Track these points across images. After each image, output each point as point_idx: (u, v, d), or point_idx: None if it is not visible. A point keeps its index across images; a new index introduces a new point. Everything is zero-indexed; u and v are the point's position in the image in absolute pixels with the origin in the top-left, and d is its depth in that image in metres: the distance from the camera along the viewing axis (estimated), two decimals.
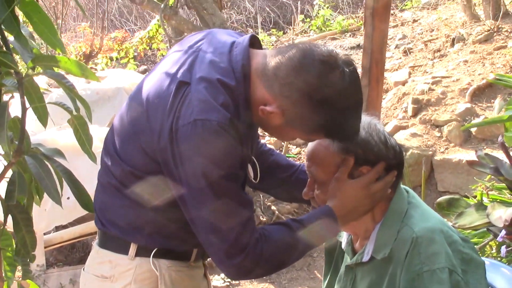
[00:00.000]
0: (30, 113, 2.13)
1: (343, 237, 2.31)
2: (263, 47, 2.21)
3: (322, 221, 2.13)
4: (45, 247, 4.82)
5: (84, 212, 2.37)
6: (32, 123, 2.50)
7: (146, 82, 2.18)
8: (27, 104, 2.07)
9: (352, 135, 2.03)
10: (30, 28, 2.20)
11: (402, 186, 2.17)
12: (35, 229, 4.09)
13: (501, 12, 7.70)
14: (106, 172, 2.25)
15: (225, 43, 2.11)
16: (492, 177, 3.90)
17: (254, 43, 2.15)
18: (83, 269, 2.37)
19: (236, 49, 2.07)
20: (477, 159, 3.55)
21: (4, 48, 1.99)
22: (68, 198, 3.77)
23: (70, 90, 2.09)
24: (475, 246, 3.53)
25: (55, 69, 2.15)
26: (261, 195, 5.90)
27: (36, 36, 2.19)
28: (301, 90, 1.93)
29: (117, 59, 10.03)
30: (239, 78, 2.01)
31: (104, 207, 2.25)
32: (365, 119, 2.09)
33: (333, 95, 1.93)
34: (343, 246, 2.30)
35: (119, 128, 2.22)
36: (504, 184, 3.72)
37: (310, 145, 2.15)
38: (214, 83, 1.98)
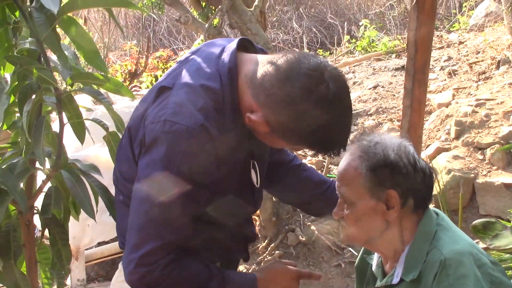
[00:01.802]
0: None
1: (374, 260, 2.31)
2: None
3: (242, 285, 2.19)
4: (86, 262, 4.88)
5: None
6: (75, 140, 2.55)
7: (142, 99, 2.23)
8: (65, 120, 2.13)
9: (334, 149, 2.03)
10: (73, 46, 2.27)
11: (432, 208, 2.16)
12: (77, 244, 4.17)
13: None
14: (116, 189, 2.27)
15: (216, 49, 2.12)
16: None
17: (248, 47, 2.15)
18: None
19: (224, 53, 2.07)
20: None
21: (45, 65, 2.05)
22: (109, 214, 3.83)
23: (107, 107, 2.15)
24: (511, 271, 3.50)
25: (94, 86, 2.22)
26: (301, 215, 5.89)
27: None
28: (284, 102, 1.93)
29: (161, 77, 10.12)
30: (225, 81, 2.01)
31: (120, 225, 2.27)
32: (395, 140, 2.10)
33: (315, 110, 1.92)
34: (373, 268, 2.30)
35: (120, 146, 2.25)
36: None
37: (341, 165, 2.15)
38: (196, 88, 1.99)
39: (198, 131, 1.93)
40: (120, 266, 2.32)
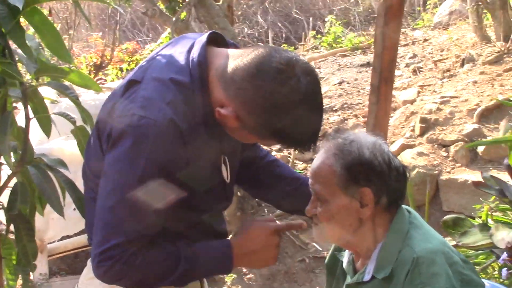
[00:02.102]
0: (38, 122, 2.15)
1: (345, 256, 2.31)
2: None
3: (217, 253, 2.15)
4: (48, 256, 4.82)
5: None
6: (39, 132, 2.51)
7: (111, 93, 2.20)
8: (31, 114, 2.09)
9: (305, 145, 2.01)
10: (37, 38, 2.22)
11: (404, 206, 2.17)
12: (41, 238, 4.12)
13: None
14: (85, 185, 2.24)
15: (187, 43, 2.09)
16: (497, 198, 3.90)
17: (219, 41, 2.13)
18: (76, 285, 2.36)
19: (194, 47, 2.04)
20: (482, 181, 3.55)
21: (9, 59, 2.00)
22: (74, 209, 3.79)
23: (73, 100, 2.11)
24: (478, 267, 3.54)
25: (60, 79, 2.17)
26: (265, 210, 5.90)
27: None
28: (254, 96, 1.91)
29: (127, 70, 10.06)
30: (195, 75, 1.98)
31: (88, 221, 2.22)
32: (370, 139, 2.10)
33: (286, 105, 1.90)
34: (344, 265, 2.30)
35: (89, 141, 2.21)
36: (508, 206, 3.71)
37: (315, 163, 2.14)
38: (165, 82, 1.96)
39: (167, 126, 1.89)
40: (89, 263, 2.29)
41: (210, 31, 2.13)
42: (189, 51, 2.05)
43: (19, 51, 2.07)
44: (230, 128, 2.03)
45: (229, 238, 2.24)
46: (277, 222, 2.28)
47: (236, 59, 1.97)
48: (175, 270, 2.06)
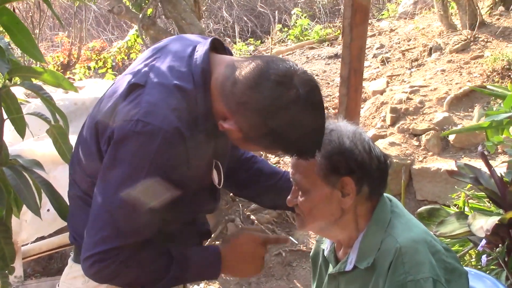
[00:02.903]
0: (7, 124, 2.11)
1: (326, 245, 2.30)
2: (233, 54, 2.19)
3: (206, 260, 2.18)
4: (23, 258, 4.76)
5: (65, 224, 2.34)
6: (9, 134, 2.47)
7: (107, 92, 2.18)
8: (5, 115, 2.05)
9: (309, 152, 2.01)
10: (7, 38, 2.18)
11: (385, 195, 2.17)
12: (15, 240, 4.05)
13: (477, 22, 7.75)
14: (72, 183, 2.23)
15: (187, 47, 2.09)
16: (472, 186, 3.92)
17: (218, 47, 2.13)
18: (58, 285, 2.34)
19: (196, 53, 2.04)
20: (456, 169, 3.57)
21: None
22: (48, 210, 3.74)
23: (47, 101, 2.08)
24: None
25: (33, 80, 2.14)
26: (240, 205, 5.89)
27: (14, 46, 2.17)
28: (255, 110, 1.91)
29: (95, 68, 9.99)
30: (198, 82, 1.98)
31: (74, 220, 2.22)
32: (350, 128, 2.09)
33: (287, 116, 1.90)
34: (325, 253, 2.30)
35: (80, 139, 2.19)
36: (483, 193, 3.73)
37: None
38: (170, 88, 1.96)
39: (172, 133, 1.89)
40: (70, 262, 2.28)
41: (212, 37, 2.12)
42: (191, 56, 2.04)
43: None
44: (233, 139, 2.04)
45: (218, 245, 2.24)
46: (265, 233, 2.32)
47: (235, 71, 1.96)
48: (166, 273, 2.08)
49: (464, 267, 2.13)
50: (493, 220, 3.07)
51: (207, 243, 4.81)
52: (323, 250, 2.32)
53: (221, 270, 2.17)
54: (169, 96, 1.94)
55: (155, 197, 1.94)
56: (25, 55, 2.21)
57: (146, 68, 2.05)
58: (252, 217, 5.82)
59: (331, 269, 2.24)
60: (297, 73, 1.92)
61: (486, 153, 3.52)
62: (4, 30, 2.03)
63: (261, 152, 6.55)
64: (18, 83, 2.10)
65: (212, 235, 5.59)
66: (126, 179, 1.91)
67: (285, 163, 6.53)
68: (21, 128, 2.16)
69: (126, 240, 1.97)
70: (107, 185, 1.95)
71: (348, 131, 2.07)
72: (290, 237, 5.63)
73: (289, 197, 2.17)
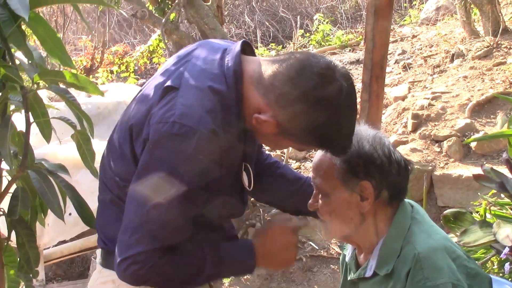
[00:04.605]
0: (31, 128, 2.13)
1: (348, 250, 2.31)
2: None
3: (241, 255, 2.18)
4: (44, 262, 4.80)
5: (86, 228, 2.36)
6: (32, 138, 2.49)
7: (137, 96, 2.19)
8: (31, 119, 2.07)
9: (344, 148, 2.02)
10: (32, 43, 2.20)
11: (407, 200, 2.17)
12: (38, 244, 4.09)
13: (500, 28, 7.70)
14: (103, 188, 2.24)
15: (217, 50, 2.10)
16: (494, 192, 3.89)
17: (247, 50, 2.14)
18: None
19: (228, 56, 2.06)
20: (483, 173, 3.54)
21: (10, 63, 1.99)
22: (70, 214, 3.76)
23: (73, 105, 2.10)
24: (478, 261, 3.54)
25: (60, 84, 2.16)
26: (261, 210, 5.88)
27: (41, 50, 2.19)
28: (297, 101, 1.92)
29: (117, 72, 10.03)
30: (231, 83, 1.99)
31: (105, 224, 2.23)
32: (371, 132, 2.10)
33: (329, 109, 1.92)
34: (347, 259, 2.31)
35: (112, 144, 2.21)
36: (507, 200, 3.71)
37: (316, 156, 2.16)
38: (204, 90, 1.97)
39: (208, 135, 1.91)
40: (99, 266, 2.29)
41: (242, 40, 2.14)
42: (222, 58, 2.06)
43: (21, 56, 2.06)
44: (265, 134, 2.05)
45: (250, 239, 2.26)
46: (294, 220, 2.32)
47: (272, 65, 1.98)
48: (201, 273, 2.09)
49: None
50: None
51: None
52: (345, 255, 2.33)
53: (256, 264, 2.18)
54: (204, 98, 1.96)
55: (190, 198, 1.95)
56: (49, 59, 2.22)
57: (178, 72, 2.07)
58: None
59: (351, 276, 2.24)
60: (337, 67, 1.95)
61: (510, 160, 3.49)
62: (34, 35, 2.06)
63: (283, 157, 6.56)
64: (46, 86, 2.12)
65: None
66: (161, 181, 1.92)
67: (305, 168, 6.52)
68: (47, 132, 2.18)
69: (160, 242, 1.99)
70: (142, 187, 1.97)
71: (368, 135, 2.08)
72: (310, 242, 5.65)
73: (310, 201, 2.18)
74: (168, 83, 2.04)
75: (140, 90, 2.21)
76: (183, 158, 1.91)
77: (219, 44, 2.17)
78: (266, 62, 2.03)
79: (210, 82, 1.99)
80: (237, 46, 2.09)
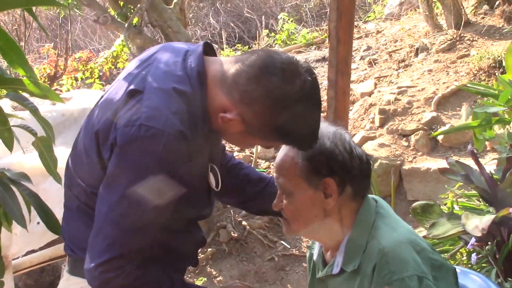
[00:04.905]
0: None
1: (315, 249, 2.31)
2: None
3: None
4: (14, 272, 4.74)
5: (55, 236, 2.34)
6: None
7: (100, 101, 2.17)
8: None
9: (310, 142, 2.02)
10: None
11: (370, 196, 2.17)
12: (5, 254, 4.04)
13: (463, 21, 7.77)
14: (69, 196, 2.23)
15: (179, 52, 2.10)
16: (462, 185, 3.92)
17: (208, 51, 2.14)
18: None
19: (190, 57, 2.06)
20: (448, 167, 3.57)
21: None
22: (38, 223, 3.72)
23: (33, 111, 2.07)
24: (447, 253, 3.56)
25: (19, 92, 2.13)
26: (231, 211, 5.88)
27: None
28: (262, 97, 1.93)
29: (82, 79, 9.95)
30: (195, 84, 1.99)
31: (72, 232, 2.22)
32: (331, 128, 2.10)
33: (294, 103, 1.93)
34: (314, 257, 2.30)
35: (76, 151, 2.19)
36: (474, 192, 3.74)
37: (278, 157, 2.16)
38: (170, 92, 1.96)
39: (176, 136, 1.90)
40: (66, 274, 2.27)
41: (203, 42, 2.14)
42: (185, 60, 2.06)
43: None
44: (231, 133, 2.06)
45: None
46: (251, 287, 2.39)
47: (235, 64, 1.99)
48: None
49: (454, 265, 2.14)
50: (489, 218, 3.08)
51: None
52: (313, 254, 2.33)
53: None
54: (169, 100, 1.95)
55: (161, 200, 1.93)
56: (11, 68, 2.19)
57: (142, 75, 2.06)
58: (244, 223, 5.81)
59: (319, 274, 2.24)
60: (299, 62, 1.97)
61: (475, 151, 3.52)
62: None
63: (252, 157, 6.55)
64: (3, 95, 2.09)
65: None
66: (131, 184, 1.90)
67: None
68: (9, 140, 2.15)
69: (132, 246, 1.97)
70: (112, 191, 1.95)
71: (329, 132, 2.08)
72: (282, 241, 5.65)
73: (274, 201, 2.18)
74: (132, 86, 2.03)
75: (103, 96, 2.20)
76: (152, 160, 1.90)
77: (180, 46, 2.17)
78: (228, 61, 2.03)
79: (174, 84, 1.99)
80: (199, 47, 2.09)
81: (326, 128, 2.10)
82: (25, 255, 4.86)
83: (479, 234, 3.02)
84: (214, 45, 2.25)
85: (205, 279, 5.37)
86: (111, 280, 1.97)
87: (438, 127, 6.14)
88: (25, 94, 2.16)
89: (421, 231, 3.41)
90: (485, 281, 2.42)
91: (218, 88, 2.00)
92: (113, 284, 1.98)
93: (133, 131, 1.90)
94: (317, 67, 8.89)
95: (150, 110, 1.92)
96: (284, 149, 2.13)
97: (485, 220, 3.08)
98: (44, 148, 2.14)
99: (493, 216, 3.13)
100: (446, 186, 4.43)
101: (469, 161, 3.61)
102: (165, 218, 2.01)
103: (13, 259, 4.67)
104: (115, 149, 1.95)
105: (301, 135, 2.00)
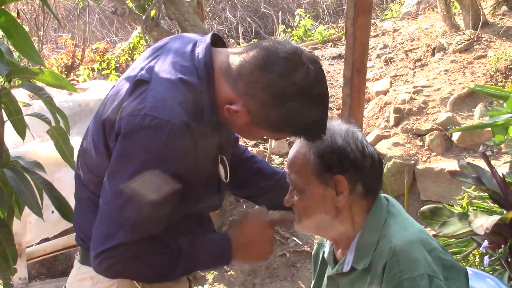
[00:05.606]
0: (11, 126, 2.11)
1: (326, 247, 2.31)
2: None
3: (216, 248, 2.19)
4: (27, 260, 4.78)
5: (69, 225, 2.35)
6: (13, 136, 2.48)
7: (110, 92, 2.18)
8: (5, 117, 2.05)
9: (318, 133, 2.02)
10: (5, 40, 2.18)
11: (382, 194, 2.17)
12: (19, 242, 4.08)
13: (481, 21, 7.72)
14: (80, 186, 2.24)
15: (188, 43, 2.11)
16: (476, 186, 3.91)
17: (217, 42, 2.14)
18: (64, 287, 2.35)
19: (198, 48, 2.06)
20: (459, 169, 3.56)
21: None
22: (52, 211, 3.74)
23: (47, 101, 2.08)
24: (459, 255, 3.55)
25: (34, 81, 2.14)
26: (244, 206, 5.89)
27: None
28: (266, 88, 1.93)
29: (98, 70, 9.99)
30: (202, 76, 1.99)
31: (82, 222, 2.22)
32: (343, 126, 2.11)
33: (298, 93, 1.93)
34: (325, 256, 2.30)
35: (86, 141, 2.21)
36: (486, 193, 3.73)
37: (290, 153, 2.16)
38: (175, 82, 1.97)
39: (180, 126, 1.90)
40: (77, 263, 2.29)
41: (211, 33, 2.15)
42: (192, 51, 2.06)
43: None
44: (237, 125, 2.05)
45: (226, 231, 2.26)
46: (270, 214, 2.31)
47: (239, 55, 1.99)
48: (175, 267, 2.09)
49: (467, 267, 2.13)
50: (494, 218, 3.08)
51: None
52: (323, 252, 2.33)
53: (232, 257, 2.19)
54: (175, 90, 1.96)
55: (164, 190, 1.94)
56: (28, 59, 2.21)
57: (149, 65, 2.07)
58: None
59: (329, 272, 2.24)
60: (303, 52, 1.96)
61: (489, 153, 3.51)
62: (2, 32, 2.03)
63: (266, 152, 6.55)
64: (18, 85, 2.10)
65: None
66: (135, 173, 1.91)
67: None
68: (21, 129, 2.16)
69: (135, 235, 1.98)
70: (115, 180, 1.96)
71: (341, 130, 2.08)
72: (294, 238, 5.65)
73: (286, 197, 2.18)
74: (139, 76, 2.03)
75: (113, 87, 2.20)
76: (156, 150, 1.91)
77: (190, 38, 2.17)
78: (234, 53, 2.04)
79: (181, 75, 1.99)
80: (207, 39, 2.09)
81: (338, 126, 2.10)
82: (39, 243, 4.90)
83: (482, 233, 3.02)
84: (230, 39, 2.25)
85: (216, 272, 5.38)
86: (114, 265, 2.00)
87: (453, 127, 6.11)
88: (41, 84, 2.18)
89: (430, 232, 3.40)
90: (498, 284, 2.41)
91: (224, 79, 2.01)
92: (116, 268, 2.01)
93: (137, 121, 1.91)
94: (333, 64, 8.87)
95: (155, 100, 1.93)
96: (296, 146, 2.14)
97: (491, 220, 3.07)
98: (60, 137, 2.15)
99: (498, 216, 3.12)
100: (462, 187, 4.42)
101: (483, 163, 3.58)
102: (169, 207, 2.01)
103: (27, 247, 4.71)
104: (119, 138, 1.96)
105: (307, 125, 2.00)
